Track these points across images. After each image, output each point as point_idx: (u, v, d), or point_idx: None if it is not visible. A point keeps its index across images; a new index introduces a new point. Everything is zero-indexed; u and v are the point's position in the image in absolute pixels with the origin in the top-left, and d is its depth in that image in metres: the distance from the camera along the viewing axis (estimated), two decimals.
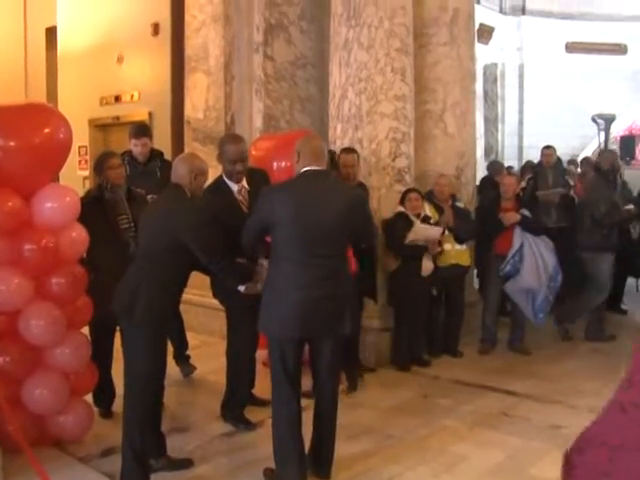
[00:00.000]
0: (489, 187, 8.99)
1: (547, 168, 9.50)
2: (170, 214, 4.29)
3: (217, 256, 4.32)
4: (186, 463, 4.66)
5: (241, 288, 4.68)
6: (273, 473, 4.36)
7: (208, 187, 5.16)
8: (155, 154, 6.71)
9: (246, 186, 5.16)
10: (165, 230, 4.25)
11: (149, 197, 6.16)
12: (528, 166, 10.89)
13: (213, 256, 4.31)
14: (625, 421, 1.28)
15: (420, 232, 6.71)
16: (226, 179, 5.17)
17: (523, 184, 9.23)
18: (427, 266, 6.79)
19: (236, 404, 5.42)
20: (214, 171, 7.78)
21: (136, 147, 6.55)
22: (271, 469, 4.38)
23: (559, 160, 9.89)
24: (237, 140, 5.25)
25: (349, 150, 6.63)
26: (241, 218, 4.88)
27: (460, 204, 7.40)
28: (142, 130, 6.76)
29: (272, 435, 4.33)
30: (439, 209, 7.16)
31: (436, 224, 6.91)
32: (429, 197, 7.23)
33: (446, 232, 6.93)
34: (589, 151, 14.64)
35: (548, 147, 9.69)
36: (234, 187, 5.14)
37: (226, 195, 5.12)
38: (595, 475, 1.22)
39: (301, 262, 4.18)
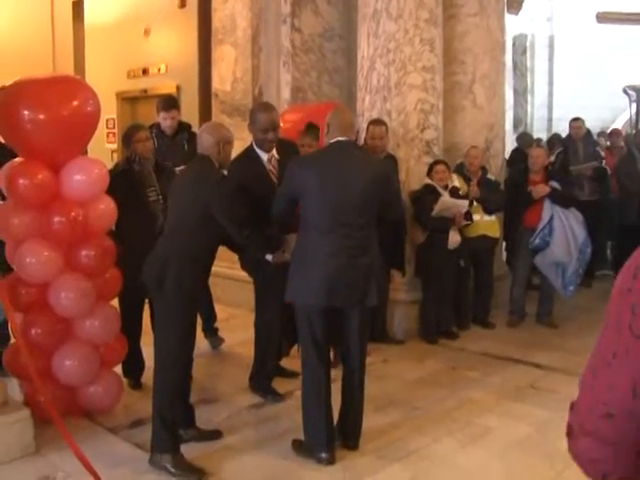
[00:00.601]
0: (519, 160, 8.91)
1: (577, 141, 9.41)
2: (199, 185, 4.29)
3: (244, 226, 4.32)
4: (215, 434, 4.70)
5: (269, 257, 4.68)
6: (301, 444, 4.39)
7: (238, 156, 5.20)
8: (183, 127, 6.72)
9: (276, 155, 5.16)
10: (195, 202, 4.25)
11: (177, 169, 6.19)
12: (555, 139, 10.79)
13: (240, 226, 4.31)
14: None
15: (446, 204, 6.68)
16: (256, 148, 5.16)
17: (552, 158, 9.14)
18: (454, 239, 6.77)
19: (264, 375, 5.45)
20: (241, 143, 7.78)
21: (165, 120, 6.56)
22: (300, 440, 4.41)
23: (589, 132, 9.79)
24: (269, 109, 5.25)
25: (378, 122, 6.60)
26: (270, 187, 4.91)
27: (491, 176, 7.35)
28: (171, 103, 6.76)
29: (301, 405, 4.37)
30: (469, 181, 7.13)
31: (465, 196, 6.88)
32: (459, 169, 7.20)
33: (475, 203, 6.90)
34: (620, 122, 14.47)
35: (576, 119, 9.58)
36: (264, 156, 5.13)
37: (256, 164, 5.12)
38: None
39: (328, 232, 4.19)
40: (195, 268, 4.28)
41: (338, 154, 4.32)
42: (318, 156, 4.47)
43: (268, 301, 5.29)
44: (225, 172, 4.47)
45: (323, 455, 4.28)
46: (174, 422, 4.29)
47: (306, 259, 4.26)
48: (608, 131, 11.51)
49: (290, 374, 5.60)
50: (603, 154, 9.90)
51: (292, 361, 5.63)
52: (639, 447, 1.31)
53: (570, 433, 1.43)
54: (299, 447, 4.41)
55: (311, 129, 6.18)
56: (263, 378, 5.46)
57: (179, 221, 4.35)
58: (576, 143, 9.39)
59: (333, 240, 4.20)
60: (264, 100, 7.77)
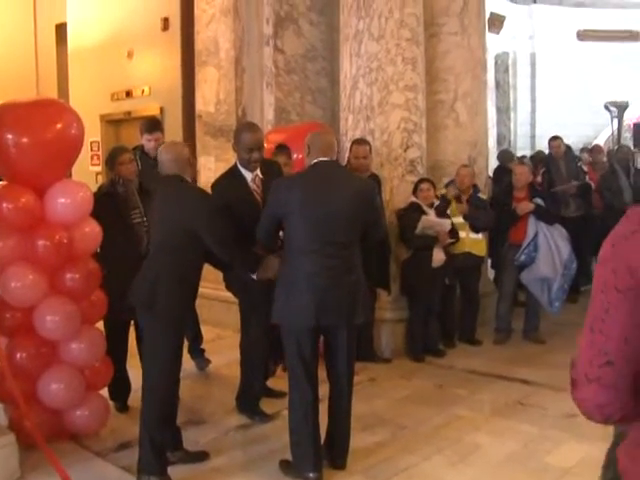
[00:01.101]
0: (504, 176, 8.96)
1: (558, 159, 9.47)
2: (182, 204, 4.30)
3: (228, 243, 4.33)
4: (202, 456, 4.67)
5: (253, 276, 4.69)
6: (289, 464, 4.37)
7: (222, 175, 5.27)
8: None
9: (260, 175, 5.16)
10: (179, 221, 4.25)
11: None
12: (538, 157, 10.86)
13: (224, 243, 4.31)
14: None
15: (428, 222, 6.70)
16: (240, 167, 5.16)
17: (539, 178, 9.22)
18: (438, 257, 6.78)
19: (251, 396, 5.44)
20: (225, 164, 7.80)
21: (149, 142, 6.56)
22: (287, 460, 4.40)
23: (569, 149, 9.86)
24: (254, 128, 5.26)
25: (361, 141, 6.63)
26: (254, 206, 4.92)
27: (482, 195, 7.40)
28: (154, 125, 6.76)
29: (288, 426, 4.35)
30: (458, 198, 7.18)
31: (447, 215, 6.92)
32: (448, 187, 7.26)
33: (462, 220, 6.94)
34: (602, 139, 14.56)
35: (555, 138, 9.65)
36: (248, 176, 5.14)
37: (240, 183, 5.12)
38: None
39: (312, 252, 4.20)
40: (184, 288, 4.28)
41: (321, 174, 4.33)
42: (301, 176, 4.47)
43: (253, 322, 5.29)
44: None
45: (311, 475, 4.26)
46: (162, 444, 4.27)
47: (291, 279, 4.26)
48: (590, 147, 11.59)
49: (277, 394, 5.58)
50: (586, 169, 9.97)
51: (279, 381, 5.62)
52: (636, 389, 1.58)
53: (574, 386, 1.64)
54: (286, 467, 4.39)
55: (281, 149, 6.21)
56: (250, 399, 5.44)
57: (164, 241, 4.34)
58: (557, 161, 9.45)
59: (318, 260, 4.20)
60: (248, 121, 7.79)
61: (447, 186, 7.30)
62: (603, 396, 1.61)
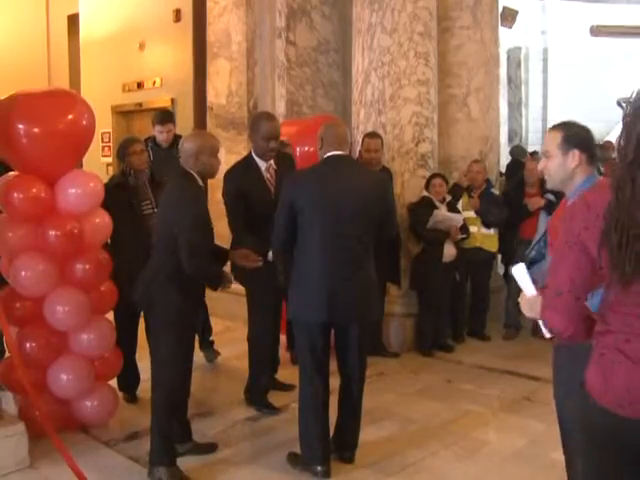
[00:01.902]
0: (518, 171, 8.92)
1: None
2: (171, 204, 4.26)
3: (198, 255, 4.16)
4: (211, 447, 4.68)
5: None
6: (297, 457, 4.38)
7: (237, 163, 5.31)
8: (178, 140, 6.72)
9: (274, 165, 5.17)
10: (169, 222, 4.21)
11: None
12: None
13: (194, 254, 4.13)
14: None
15: (440, 217, 6.70)
16: (255, 157, 5.19)
17: None
18: (449, 252, 6.79)
19: (259, 389, 5.44)
20: (237, 157, 7.79)
21: (161, 133, 6.57)
22: (295, 453, 4.40)
23: None
24: (272, 117, 5.30)
25: (373, 134, 6.64)
26: (267, 195, 5.01)
27: (494, 190, 7.38)
28: (166, 116, 6.77)
29: (298, 419, 4.35)
30: (470, 193, 7.18)
31: (459, 211, 6.92)
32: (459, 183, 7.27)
33: (474, 215, 6.93)
34: (614, 136, 14.49)
35: None
36: (262, 165, 5.16)
37: (254, 171, 5.16)
38: None
39: (326, 246, 4.18)
40: (179, 289, 4.20)
41: (334, 168, 4.31)
42: (314, 170, 4.43)
43: (261, 314, 5.29)
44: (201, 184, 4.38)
45: (319, 468, 4.26)
46: (172, 436, 4.28)
47: (305, 275, 4.25)
48: (600, 143, 11.50)
49: (286, 387, 5.59)
50: (602, 169, 9.91)
51: (288, 375, 5.63)
52: (583, 316, 2.23)
53: (542, 310, 2.35)
54: (294, 460, 4.40)
55: (283, 145, 6.22)
56: (258, 391, 5.45)
57: (159, 240, 4.32)
58: None
59: (330, 255, 4.20)
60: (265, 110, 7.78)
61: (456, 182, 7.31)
62: (556, 318, 2.27)
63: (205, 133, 4.72)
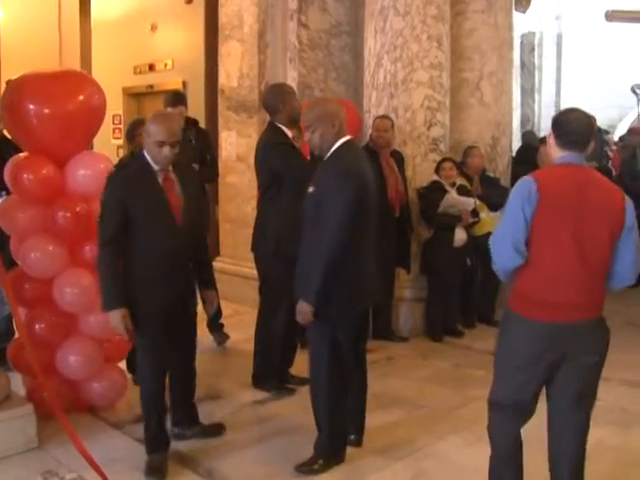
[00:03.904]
0: (530, 155, 8.87)
1: None
2: None
3: (103, 250, 4.11)
4: (218, 429, 4.69)
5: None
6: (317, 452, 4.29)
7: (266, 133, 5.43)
8: (190, 122, 6.69)
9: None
10: None
11: None
12: None
13: (102, 248, 4.11)
14: None
15: (451, 201, 6.67)
16: (282, 125, 5.29)
17: None
18: (460, 236, 6.76)
19: (270, 372, 5.44)
20: (247, 140, 7.81)
21: None
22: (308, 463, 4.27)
23: (598, 130, 9.73)
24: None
25: (383, 116, 6.70)
26: (298, 160, 5.16)
27: (489, 173, 7.36)
28: (178, 98, 6.73)
29: (324, 405, 4.25)
30: (469, 179, 7.14)
31: (470, 194, 6.88)
32: (460, 168, 7.19)
33: (478, 202, 6.89)
34: (627, 122, 14.41)
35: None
36: (289, 133, 5.27)
37: (286, 139, 5.24)
38: None
39: (370, 237, 4.19)
40: (136, 285, 4.10)
41: (361, 156, 4.28)
42: (359, 162, 4.18)
43: (277, 303, 5.26)
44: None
45: (352, 437, 4.37)
46: (151, 428, 4.26)
47: (358, 265, 4.14)
48: (616, 130, 11.45)
49: (301, 382, 5.47)
50: (611, 155, 9.86)
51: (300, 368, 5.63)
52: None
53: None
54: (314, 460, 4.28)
55: None
56: (269, 374, 5.44)
57: None
58: None
59: (370, 244, 4.18)
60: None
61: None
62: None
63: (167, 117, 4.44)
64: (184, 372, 4.53)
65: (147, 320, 4.11)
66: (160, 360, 4.25)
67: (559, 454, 3.54)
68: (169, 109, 6.54)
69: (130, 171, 4.21)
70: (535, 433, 3.64)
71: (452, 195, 6.71)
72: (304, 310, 4.02)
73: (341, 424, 4.27)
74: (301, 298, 4.03)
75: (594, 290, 3.33)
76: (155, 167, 4.08)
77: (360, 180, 4.02)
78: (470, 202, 6.76)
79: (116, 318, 4.00)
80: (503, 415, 3.60)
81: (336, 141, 4.11)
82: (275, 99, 5.35)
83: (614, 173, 9.51)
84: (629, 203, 3.35)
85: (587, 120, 3.37)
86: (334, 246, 3.94)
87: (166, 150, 4.00)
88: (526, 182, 3.32)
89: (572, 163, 3.35)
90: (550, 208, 3.24)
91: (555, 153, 3.42)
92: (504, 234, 3.37)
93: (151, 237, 4.07)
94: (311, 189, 4.10)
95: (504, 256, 3.39)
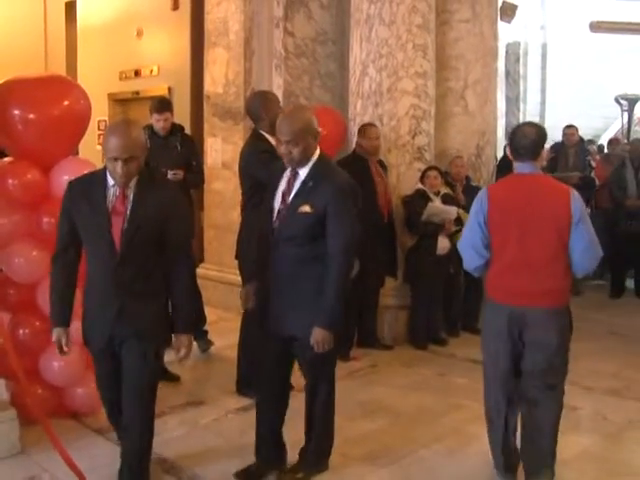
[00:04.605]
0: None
1: (569, 148, 9.41)
2: None
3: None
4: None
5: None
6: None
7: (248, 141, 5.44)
8: (176, 128, 6.70)
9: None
10: None
11: (170, 173, 6.17)
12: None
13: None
14: None
15: (434, 210, 6.70)
16: (265, 133, 5.29)
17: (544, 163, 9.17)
18: (443, 244, 6.79)
19: (251, 383, 5.42)
20: (233, 147, 7.81)
21: (158, 122, 6.53)
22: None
23: (581, 140, 9.81)
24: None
25: (371, 124, 6.71)
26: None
27: (473, 183, 7.39)
28: (164, 105, 6.73)
29: (322, 416, 4.18)
30: (453, 188, 7.17)
31: (454, 203, 6.91)
32: (445, 176, 7.23)
33: (461, 210, 6.92)
34: (611, 132, 14.50)
35: (570, 126, 9.60)
36: (272, 140, 5.11)
37: (269, 146, 5.17)
38: None
39: None
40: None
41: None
42: (342, 171, 4.11)
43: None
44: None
45: None
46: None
47: None
48: (600, 140, 11.54)
49: None
50: (594, 164, 9.92)
51: None
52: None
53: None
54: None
55: None
56: (253, 382, 5.42)
57: None
58: (567, 150, 9.39)
59: None
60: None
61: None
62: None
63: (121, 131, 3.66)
64: (131, 432, 3.92)
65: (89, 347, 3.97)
66: (103, 391, 4.06)
67: (531, 429, 4.04)
68: (155, 115, 6.54)
69: (85, 180, 3.83)
70: None
71: (435, 204, 6.74)
72: (327, 339, 3.82)
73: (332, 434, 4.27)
74: (319, 327, 3.79)
75: (545, 281, 3.86)
76: (110, 182, 3.65)
77: (355, 192, 4.05)
78: (453, 211, 6.79)
79: (53, 336, 3.84)
80: (487, 374, 4.25)
81: (313, 154, 3.94)
82: (257, 106, 5.36)
83: (597, 182, 9.57)
84: (575, 199, 3.84)
85: (534, 134, 3.92)
86: (349, 261, 3.90)
87: (118, 167, 3.53)
88: (481, 192, 4.04)
89: (522, 173, 3.96)
90: (497, 213, 3.89)
91: (513, 163, 4.02)
92: (465, 238, 4.09)
93: (89, 259, 3.76)
94: (307, 209, 3.82)
95: (467, 257, 4.08)
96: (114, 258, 3.63)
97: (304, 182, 3.89)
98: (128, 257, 3.62)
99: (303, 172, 3.91)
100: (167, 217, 3.68)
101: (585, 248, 3.83)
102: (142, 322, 3.70)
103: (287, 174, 3.97)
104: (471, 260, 4.03)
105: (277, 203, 3.96)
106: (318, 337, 3.80)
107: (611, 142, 11.00)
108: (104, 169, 3.68)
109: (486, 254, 3.93)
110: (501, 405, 4.11)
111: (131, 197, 3.64)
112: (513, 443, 4.16)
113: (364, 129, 6.68)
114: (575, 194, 3.87)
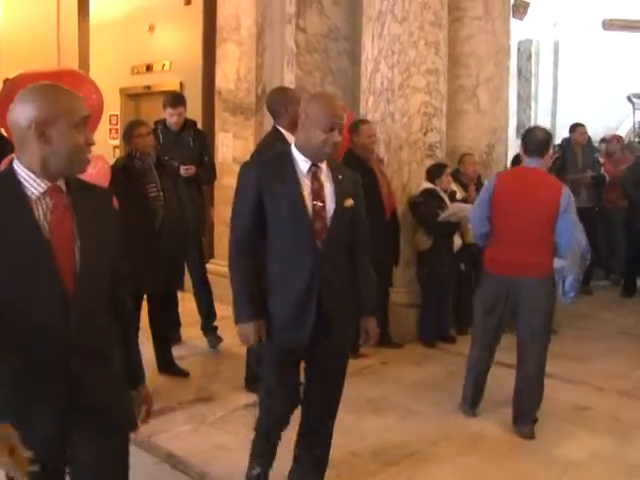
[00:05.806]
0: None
1: (577, 147, 9.36)
2: None
3: None
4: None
5: None
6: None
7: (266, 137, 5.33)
8: (189, 123, 6.70)
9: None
10: None
11: (182, 168, 6.17)
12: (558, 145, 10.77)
13: None
14: None
15: (455, 209, 6.67)
16: (283, 130, 5.15)
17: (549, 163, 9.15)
18: (456, 242, 6.79)
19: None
20: (243, 142, 7.81)
21: (172, 117, 6.54)
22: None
23: (590, 140, 9.75)
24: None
25: (366, 121, 6.63)
26: None
27: (485, 181, 7.37)
28: (178, 99, 6.73)
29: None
30: (464, 186, 7.15)
31: (463, 200, 6.90)
32: (455, 174, 7.20)
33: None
34: (623, 131, 14.43)
35: (580, 125, 9.51)
36: (290, 138, 4.92)
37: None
38: None
39: None
40: None
41: None
42: None
43: None
44: None
45: None
46: None
47: None
48: (607, 137, 11.37)
49: None
50: (602, 161, 9.87)
51: None
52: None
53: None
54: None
55: None
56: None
57: None
58: (576, 149, 9.34)
59: None
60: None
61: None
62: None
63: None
64: None
65: None
66: None
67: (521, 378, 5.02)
68: (169, 110, 6.55)
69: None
70: None
71: (456, 204, 6.72)
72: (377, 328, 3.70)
73: None
74: (372, 316, 3.65)
75: (535, 256, 4.77)
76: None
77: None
78: (469, 208, 6.76)
79: None
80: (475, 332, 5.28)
81: None
82: (279, 102, 5.23)
83: (607, 179, 9.53)
84: (565, 194, 4.72)
85: (542, 135, 4.85)
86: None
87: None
88: (491, 178, 5.17)
89: (528, 166, 4.88)
90: (501, 195, 4.83)
91: (524, 158, 4.97)
92: (476, 208, 5.12)
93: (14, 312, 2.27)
94: (350, 202, 3.51)
95: (477, 222, 5.05)
96: (64, 307, 2.33)
97: (335, 175, 3.52)
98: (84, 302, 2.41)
99: (323, 165, 3.51)
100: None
101: (569, 236, 4.76)
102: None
103: (300, 170, 3.47)
104: (481, 225, 4.97)
105: (308, 202, 3.44)
106: (370, 325, 3.62)
107: (609, 140, 10.76)
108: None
109: (487, 225, 4.89)
110: (484, 352, 5.20)
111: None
112: (483, 382, 5.16)
113: (356, 126, 6.39)
114: (566, 190, 4.76)
